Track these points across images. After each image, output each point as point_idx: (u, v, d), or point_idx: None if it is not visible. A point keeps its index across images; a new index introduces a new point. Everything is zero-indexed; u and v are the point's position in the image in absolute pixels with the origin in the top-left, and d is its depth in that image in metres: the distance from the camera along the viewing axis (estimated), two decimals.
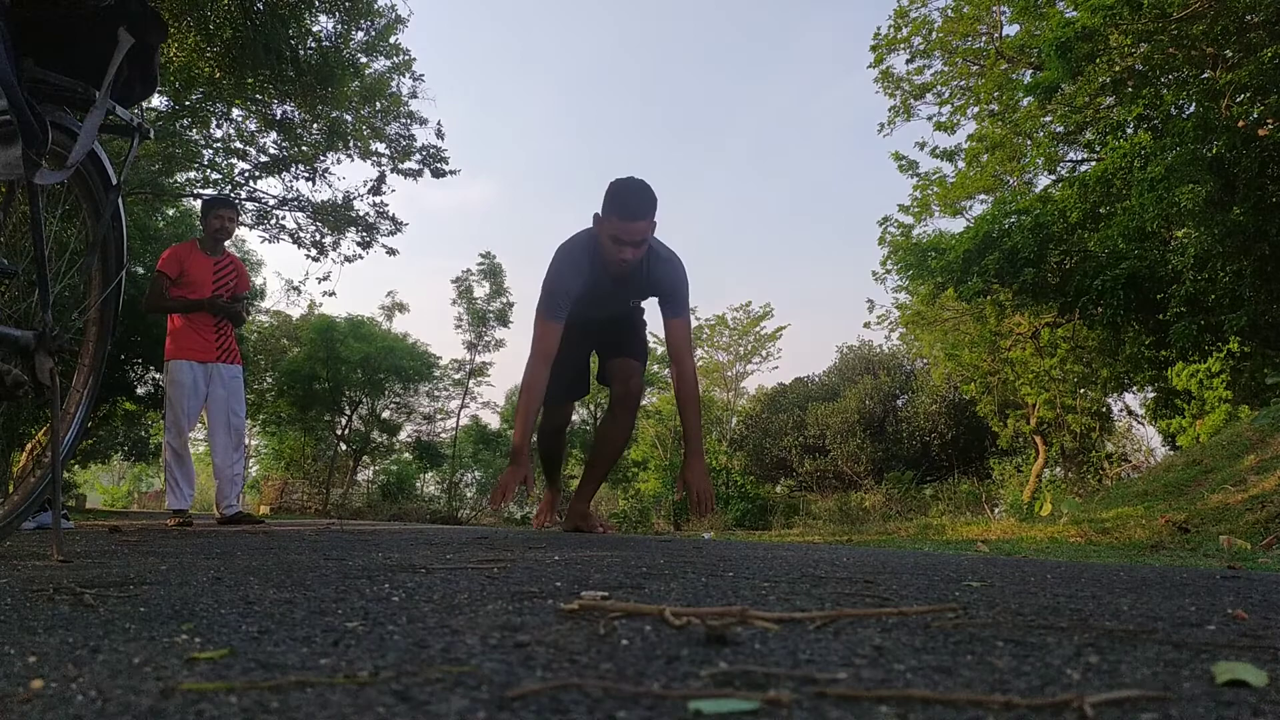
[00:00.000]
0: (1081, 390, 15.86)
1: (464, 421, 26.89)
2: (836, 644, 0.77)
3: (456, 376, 26.11)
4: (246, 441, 4.71)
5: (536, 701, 0.56)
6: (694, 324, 26.45)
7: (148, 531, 3.59)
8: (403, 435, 26.41)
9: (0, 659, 0.70)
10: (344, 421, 25.02)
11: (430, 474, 27.72)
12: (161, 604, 1.03)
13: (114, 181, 2.05)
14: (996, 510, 11.95)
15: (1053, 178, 15.19)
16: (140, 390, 17.08)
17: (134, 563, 1.66)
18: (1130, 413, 18.57)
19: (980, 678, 0.64)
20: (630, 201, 2.95)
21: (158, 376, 17.38)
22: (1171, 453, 12.27)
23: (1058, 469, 16.53)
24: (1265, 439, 6.37)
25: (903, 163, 16.84)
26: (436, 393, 26.25)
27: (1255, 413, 8.43)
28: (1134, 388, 14.93)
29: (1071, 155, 15.27)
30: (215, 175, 12.66)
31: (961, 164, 16.16)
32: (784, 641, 0.78)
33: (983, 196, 16.51)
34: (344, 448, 25.45)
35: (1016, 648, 0.77)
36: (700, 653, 0.72)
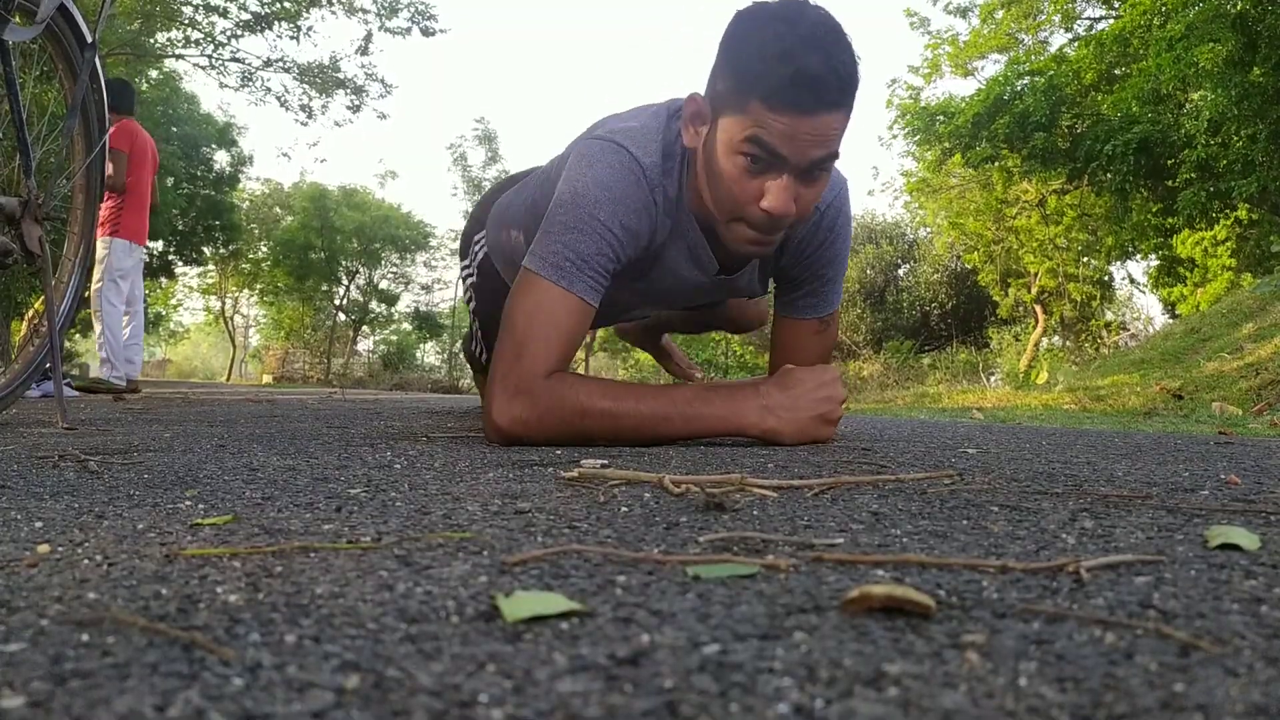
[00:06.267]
0: (1085, 259, 15.77)
1: (462, 292, 26.88)
2: (834, 510, 0.78)
3: (453, 246, 25.91)
4: (101, 310, 4.60)
5: (537, 567, 0.56)
6: None
7: (151, 399, 3.63)
8: (401, 305, 26.48)
9: (7, 524, 0.71)
10: (342, 291, 25.03)
11: (430, 344, 27.92)
12: (166, 470, 1.04)
13: (89, 39, 1.95)
14: (993, 379, 12.09)
15: (1069, 36, 14.62)
16: None
17: (138, 430, 1.68)
18: (1132, 281, 18.57)
19: (976, 542, 0.65)
20: (815, 61, 1.22)
21: (151, 244, 17.29)
22: (1171, 321, 12.31)
23: (1056, 338, 16.63)
24: (1265, 307, 6.37)
25: (914, 19, 16.16)
26: (434, 262, 26.15)
27: (1257, 281, 8.40)
28: (1138, 256, 14.85)
29: (1089, 12, 14.65)
30: (196, 34, 12.17)
31: (975, 21, 15.52)
32: (782, 508, 0.79)
33: (996, 56, 15.93)
34: (343, 318, 25.54)
35: (1012, 513, 0.78)
36: (699, 520, 0.73)
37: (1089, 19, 14.63)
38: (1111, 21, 12.60)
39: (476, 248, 1.99)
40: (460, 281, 2.11)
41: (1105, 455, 1.35)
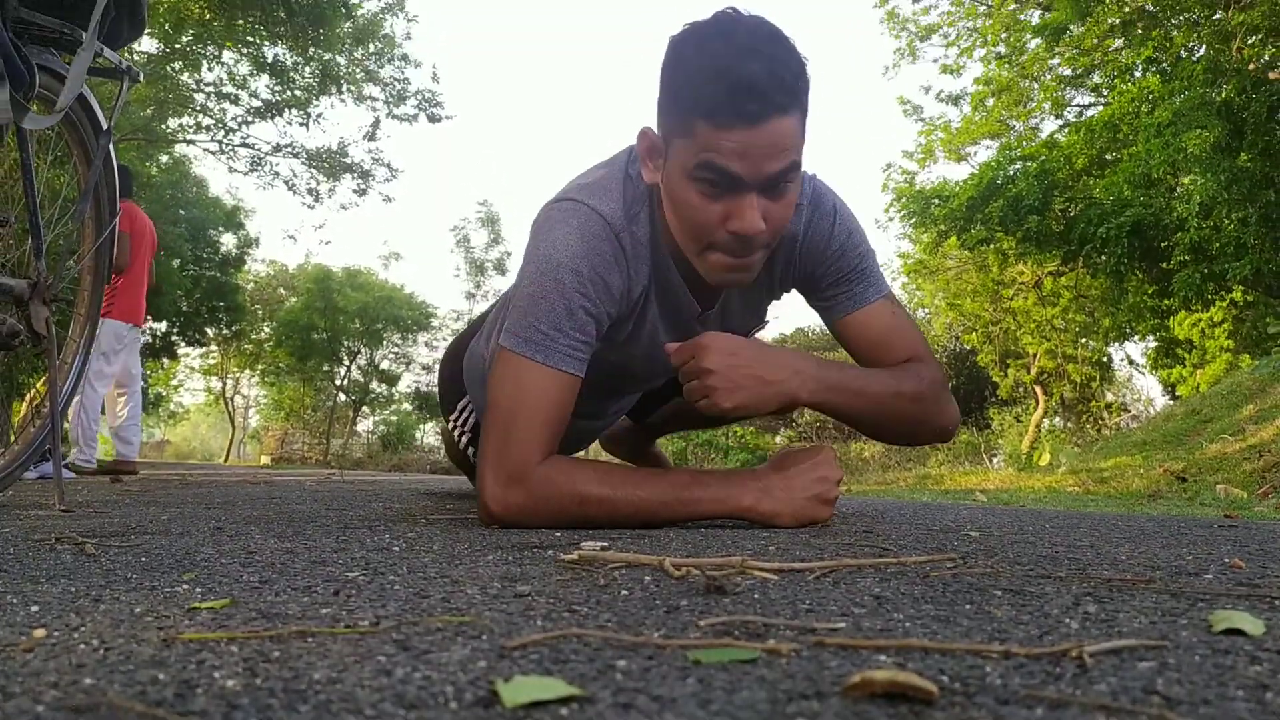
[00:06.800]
0: (1083, 340, 15.88)
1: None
2: (836, 593, 0.78)
3: (455, 326, 26.11)
4: (81, 390, 4.62)
5: (537, 651, 0.56)
6: None
7: (149, 480, 3.62)
8: (402, 386, 26.54)
9: (3, 608, 0.71)
10: (343, 372, 25.14)
11: (430, 424, 27.86)
12: (163, 553, 1.03)
13: (104, 126, 2.01)
14: (995, 460, 12.03)
15: (1059, 123, 15.01)
16: None
17: (135, 512, 1.67)
18: (1131, 362, 18.65)
19: (979, 627, 0.65)
20: (754, 68, 1.15)
21: (155, 326, 17.45)
22: (1171, 402, 12.32)
23: (1057, 419, 16.61)
24: (1265, 388, 6.38)
25: (907, 107, 16.62)
26: (435, 343, 26.31)
27: (1256, 362, 8.44)
28: (1135, 337, 14.94)
29: (1079, 99, 15.09)
30: (207, 120, 12.52)
31: (967, 108, 15.96)
32: (784, 591, 0.79)
33: (988, 142, 16.32)
34: (343, 398, 25.58)
35: (1015, 597, 0.77)
36: (700, 603, 0.73)
37: (1078, 105, 15.06)
38: (1101, 108, 12.97)
39: (466, 413, 2.00)
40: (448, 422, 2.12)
41: (1108, 538, 1.34)
